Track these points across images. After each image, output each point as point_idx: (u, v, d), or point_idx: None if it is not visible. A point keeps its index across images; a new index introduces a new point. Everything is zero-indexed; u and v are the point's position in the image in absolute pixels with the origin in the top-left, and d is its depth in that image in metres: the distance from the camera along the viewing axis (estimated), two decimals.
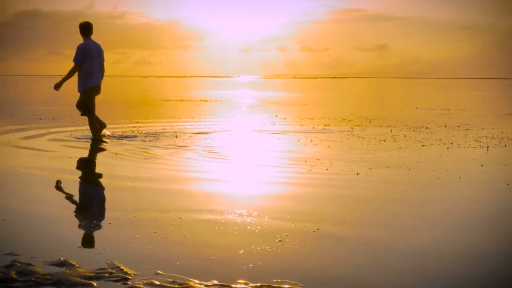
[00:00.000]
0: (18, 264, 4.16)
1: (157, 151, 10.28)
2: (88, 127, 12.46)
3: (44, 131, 13.59)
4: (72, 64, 11.97)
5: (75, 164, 8.92)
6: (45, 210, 5.95)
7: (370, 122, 17.26)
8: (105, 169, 8.49)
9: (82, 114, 12.34)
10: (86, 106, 12.10)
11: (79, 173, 8.26)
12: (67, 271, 4.06)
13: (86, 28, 12.11)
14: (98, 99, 12.22)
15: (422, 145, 11.54)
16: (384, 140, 12.33)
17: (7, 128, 14.01)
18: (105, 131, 12.59)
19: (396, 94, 53.67)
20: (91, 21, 12.15)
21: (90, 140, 11.78)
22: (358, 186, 7.47)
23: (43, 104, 26.91)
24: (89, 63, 11.97)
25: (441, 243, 4.96)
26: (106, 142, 11.49)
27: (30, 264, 4.17)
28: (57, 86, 12.18)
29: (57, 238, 4.95)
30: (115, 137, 12.38)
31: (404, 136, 13.26)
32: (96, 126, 12.29)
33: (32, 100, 31.37)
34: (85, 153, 10.01)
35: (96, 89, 12.21)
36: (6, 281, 3.85)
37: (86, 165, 8.80)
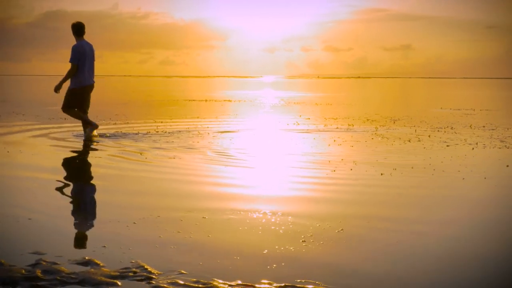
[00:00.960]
0: (44, 263, 4.19)
1: (180, 150, 10.31)
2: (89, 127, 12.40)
3: (65, 130, 13.67)
4: (69, 65, 12.18)
5: (97, 163, 8.96)
6: (70, 209, 5.99)
7: (394, 122, 17.18)
8: (128, 168, 8.52)
9: (62, 107, 12.48)
10: (66, 102, 12.32)
11: (102, 171, 8.29)
12: (92, 270, 4.08)
13: (79, 29, 12.31)
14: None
15: (447, 145, 11.47)
16: (409, 140, 12.27)
17: (33, 127, 14.12)
18: (95, 132, 12.61)
19: (420, 94, 53.38)
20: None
21: (114, 138, 11.83)
22: (383, 186, 7.43)
23: None
24: (85, 63, 12.18)
25: (465, 244, 4.92)
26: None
27: (55, 263, 4.20)
28: (57, 89, 12.42)
29: (81, 237, 4.98)
30: (141, 134, 12.42)
31: (429, 136, 13.18)
32: (78, 113, 12.43)
33: (58, 100, 31.61)
34: (106, 152, 10.05)
35: (90, 88, 12.42)
36: (32, 280, 3.88)
37: (108, 164, 8.83)
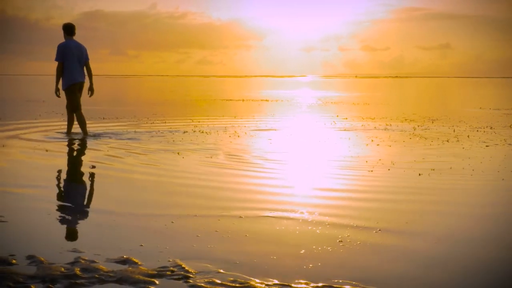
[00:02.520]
0: (82, 261, 4.23)
1: (218, 150, 10.33)
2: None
3: (102, 131, 13.79)
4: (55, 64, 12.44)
5: (134, 162, 9.01)
6: (107, 207, 6.04)
7: (432, 122, 17.04)
8: (165, 167, 8.56)
9: (68, 111, 12.67)
10: (70, 103, 12.54)
11: (140, 171, 8.34)
12: (130, 268, 4.10)
13: (69, 29, 12.58)
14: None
15: (486, 146, 11.33)
16: (447, 140, 12.15)
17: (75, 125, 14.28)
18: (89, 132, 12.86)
19: (459, 93, 52.85)
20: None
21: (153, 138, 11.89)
22: (420, 187, 7.37)
23: (105, 104, 27.32)
24: (69, 61, 12.37)
25: (505, 246, 4.86)
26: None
27: (93, 261, 4.23)
28: (56, 91, 12.59)
29: (119, 235, 5.01)
30: (171, 132, 12.48)
31: (468, 136, 13.04)
32: (83, 120, 12.64)
33: (95, 100, 31.90)
34: (145, 151, 10.10)
35: (79, 86, 12.57)
36: (71, 278, 3.91)
37: (145, 163, 8.88)
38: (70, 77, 12.41)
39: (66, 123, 13.08)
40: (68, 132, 12.81)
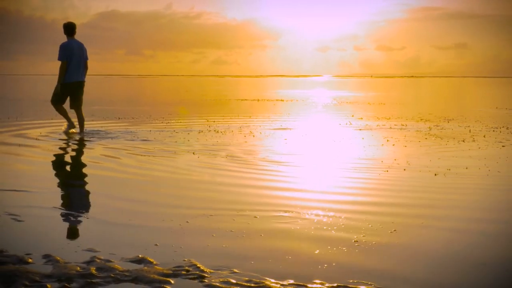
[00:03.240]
0: (98, 260, 4.24)
1: (232, 149, 10.34)
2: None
3: (119, 130, 13.83)
4: (58, 63, 12.72)
5: (148, 160, 9.03)
6: (122, 207, 6.06)
7: (448, 122, 16.97)
8: (180, 167, 8.57)
9: (52, 101, 13.01)
10: (59, 96, 12.85)
11: (153, 170, 8.36)
12: (145, 268, 4.11)
13: (69, 28, 12.83)
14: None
15: (503, 146, 11.28)
16: (463, 140, 12.10)
17: (90, 124, 14.34)
18: (73, 130, 13.10)
19: (475, 93, 52.61)
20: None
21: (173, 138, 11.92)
22: (436, 187, 7.34)
23: (121, 104, 27.42)
24: (72, 61, 12.67)
25: None
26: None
27: (109, 261, 4.25)
28: (57, 89, 12.85)
29: (134, 235, 5.03)
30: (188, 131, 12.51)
31: (484, 136, 12.98)
32: (64, 110, 13.04)
33: (112, 101, 31.98)
34: (159, 150, 10.13)
35: (78, 85, 12.85)
36: (87, 277, 3.93)
37: (160, 162, 8.90)
38: (70, 75, 12.70)
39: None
40: (70, 122, 13.08)
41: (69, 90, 12.80)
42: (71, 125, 13.08)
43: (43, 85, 65.28)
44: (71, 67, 12.68)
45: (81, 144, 11.17)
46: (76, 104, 12.93)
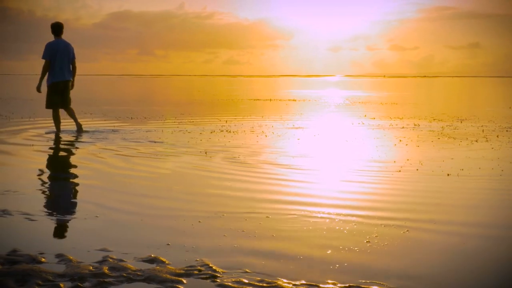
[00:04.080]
0: (110, 260, 4.26)
1: (245, 149, 10.35)
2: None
3: (135, 129, 13.87)
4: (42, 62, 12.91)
5: (162, 160, 9.04)
6: (134, 207, 6.07)
7: (461, 122, 16.92)
8: (192, 167, 8.58)
9: (46, 107, 13.19)
10: (49, 99, 13.02)
11: (166, 170, 8.37)
12: (157, 267, 4.12)
13: (57, 28, 13.05)
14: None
15: None
16: (476, 141, 12.06)
17: (106, 124, 14.37)
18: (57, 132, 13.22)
19: (488, 93, 52.40)
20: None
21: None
22: (449, 187, 7.32)
23: (134, 104, 27.50)
24: (56, 60, 12.83)
25: None
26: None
27: (121, 260, 4.26)
28: (38, 88, 13.14)
29: (147, 235, 5.04)
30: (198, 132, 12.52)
31: (497, 136, 12.93)
32: (58, 120, 13.22)
33: (124, 100, 32.06)
34: (171, 150, 10.14)
35: (64, 84, 13.01)
36: (99, 276, 3.94)
37: (173, 162, 8.91)
38: (56, 75, 12.88)
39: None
40: (57, 130, 13.21)
41: (56, 89, 12.97)
42: (57, 132, 13.15)
43: None
44: (55, 67, 12.87)
45: (91, 143, 11.19)
46: (65, 104, 13.15)
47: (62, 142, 11.45)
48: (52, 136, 12.53)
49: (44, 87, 13.04)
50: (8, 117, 17.48)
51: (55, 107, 13.07)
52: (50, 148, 10.63)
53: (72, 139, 11.94)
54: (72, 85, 13.17)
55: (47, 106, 13.08)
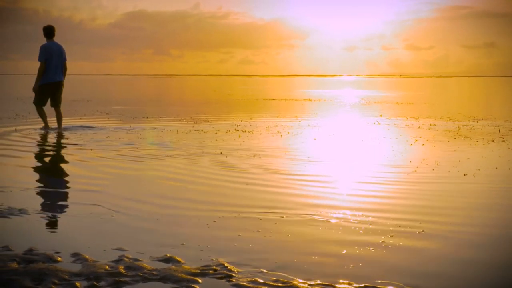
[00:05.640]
0: (126, 259, 4.27)
1: (260, 149, 10.35)
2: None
3: (148, 128, 13.91)
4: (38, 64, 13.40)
5: (177, 161, 9.06)
6: (150, 206, 6.08)
7: (477, 122, 16.84)
8: (208, 166, 8.59)
9: (34, 102, 13.76)
10: (39, 97, 13.56)
11: (182, 170, 8.38)
12: (173, 267, 4.13)
13: (49, 31, 13.62)
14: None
15: None
16: (493, 141, 12.00)
17: (120, 124, 14.43)
18: (43, 129, 13.71)
19: (504, 93, 52.12)
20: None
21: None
22: (465, 187, 7.29)
23: (149, 104, 27.57)
24: (51, 62, 13.39)
25: None
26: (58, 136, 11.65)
27: (137, 260, 4.27)
28: (35, 89, 13.55)
29: (162, 234, 5.05)
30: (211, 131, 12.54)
31: None
32: (44, 114, 13.80)
33: (140, 100, 32.15)
34: (187, 151, 10.16)
35: (56, 85, 13.59)
36: (115, 276, 3.95)
37: (188, 163, 8.92)
38: (50, 75, 13.42)
39: (60, 119, 13.68)
40: (45, 125, 13.80)
41: (49, 90, 13.52)
42: (45, 127, 13.72)
43: (70, 85, 65.76)
44: (50, 68, 13.37)
45: (104, 144, 11.23)
46: (56, 103, 13.73)
47: (77, 141, 11.48)
48: (54, 134, 12.83)
49: None
50: (25, 116, 17.59)
51: (42, 105, 13.64)
52: (61, 147, 10.66)
53: (89, 138, 11.98)
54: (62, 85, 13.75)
55: (36, 102, 13.64)
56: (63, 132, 13.24)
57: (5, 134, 12.63)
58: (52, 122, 13.96)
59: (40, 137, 12.32)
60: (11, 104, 24.48)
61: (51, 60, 13.37)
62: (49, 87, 13.49)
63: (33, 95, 13.87)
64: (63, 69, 13.67)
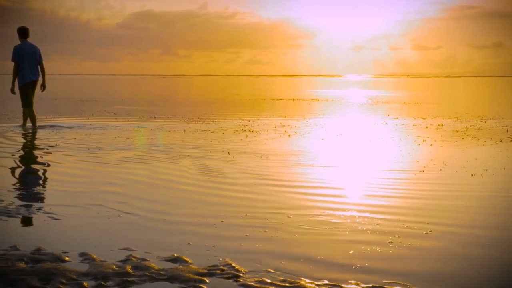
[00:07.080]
0: (133, 259, 4.28)
1: (268, 149, 10.35)
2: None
3: (155, 126, 13.91)
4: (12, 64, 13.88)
5: (184, 162, 9.06)
6: (157, 207, 6.09)
7: (485, 122, 16.79)
8: (214, 167, 8.59)
9: (22, 106, 14.14)
10: (23, 99, 13.96)
11: (189, 170, 8.38)
12: (180, 267, 4.14)
13: (23, 32, 14.01)
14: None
15: None
16: (501, 141, 11.97)
17: (126, 124, 14.45)
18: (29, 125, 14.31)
19: None
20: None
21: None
22: (473, 188, 7.27)
23: (156, 104, 27.60)
24: (24, 62, 13.81)
25: None
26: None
27: (144, 259, 4.28)
28: (12, 90, 14.01)
29: (169, 234, 5.05)
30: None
31: None
32: (33, 116, 14.17)
33: (147, 100, 32.20)
34: (194, 150, 10.16)
35: (32, 84, 13.99)
36: (123, 275, 3.96)
37: (195, 162, 8.92)
38: (24, 76, 13.83)
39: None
40: (24, 124, 14.28)
41: (27, 90, 13.90)
42: (23, 126, 14.17)
43: (78, 85, 65.92)
44: (24, 68, 13.78)
45: (112, 144, 11.25)
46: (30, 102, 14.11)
47: (83, 142, 11.50)
48: (55, 133, 12.90)
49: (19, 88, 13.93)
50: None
51: (30, 105, 13.98)
52: (70, 148, 10.67)
53: (92, 138, 12.00)
54: (44, 86, 14.13)
55: (25, 105, 14.01)
56: (64, 131, 13.36)
57: (3, 132, 12.67)
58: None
59: (40, 137, 12.34)
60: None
61: (24, 60, 13.75)
62: (27, 87, 13.86)
63: (12, 96, 14.44)
64: (38, 69, 14.03)
